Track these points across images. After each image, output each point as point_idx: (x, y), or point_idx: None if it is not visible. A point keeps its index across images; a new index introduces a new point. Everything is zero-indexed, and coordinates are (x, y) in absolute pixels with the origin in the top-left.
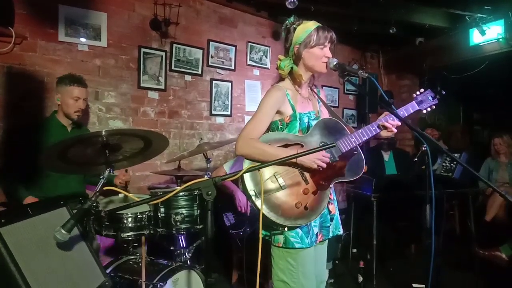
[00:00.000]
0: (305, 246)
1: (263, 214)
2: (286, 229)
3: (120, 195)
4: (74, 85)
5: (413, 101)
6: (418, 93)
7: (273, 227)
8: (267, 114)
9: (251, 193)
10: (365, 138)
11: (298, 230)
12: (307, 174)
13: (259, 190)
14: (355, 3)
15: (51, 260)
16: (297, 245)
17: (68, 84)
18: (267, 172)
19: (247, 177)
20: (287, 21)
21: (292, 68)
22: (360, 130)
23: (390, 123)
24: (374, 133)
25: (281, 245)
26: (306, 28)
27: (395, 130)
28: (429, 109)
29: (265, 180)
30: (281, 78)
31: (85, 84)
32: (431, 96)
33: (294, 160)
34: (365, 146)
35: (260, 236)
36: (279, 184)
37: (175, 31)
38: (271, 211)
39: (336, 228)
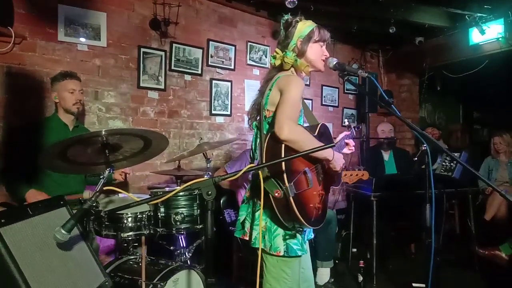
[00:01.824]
0: (305, 252)
1: (292, 211)
2: (302, 229)
3: (120, 195)
4: (67, 79)
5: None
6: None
7: (288, 226)
8: (299, 102)
9: (290, 188)
10: (341, 151)
11: (299, 236)
12: (321, 176)
13: (295, 187)
14: (354, 2)
15: (51, 260)
16: (299, 253)
17: (61, 80)
18: (298, 166)
19: (283, 167)
20: (287, 16)
21: (296, 60)
22: (338, 143)
23: (351, 142)
24: (343, 148)
25: (281, 254)
26: (308, 24)
27: (353, 150)
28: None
29: (297, 177)
30: (279, 70)
31: (78, 78)
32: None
33: (321, 158)
34: (365, 146)
35: (260, 235)
36: (308, 182)
37: (174, 31)
38: (301, 209)
39: (309, 233)
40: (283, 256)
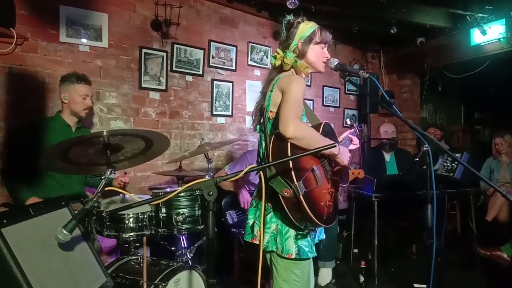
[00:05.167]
0: (314, 255)
1: (303, 209)
2: (314, 228)
3: (122, 196)
4: (81, 83)
5: (355, 128)
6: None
7: (300, 226)
8: (302, 100)
9: (300, 186)
10: (348, 148)
11: (308, 238)
12: (329, 174)
13: (304, 185)
14: (356, 3)
15: (53, 261)
16: (310, 255)
17: (75, 83)
18: (306, 163)
19: (290, 165)
20: (289, 17)
21: (296, 61)
22: (342, 141)
23: (355, 139)
24: (349, 145)
25: (293, 256)
26: (310, 25)
27: (358, 145)
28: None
29: (305, 174)
30: (280, 70)
31: (90, 82)
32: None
33: (327, 154)
34: (367, 146)
35: (262, 235)
36: (317, 180)
37: (176, 32)
38: (312, 208)
39: (321, 233)
40: (295, 258)
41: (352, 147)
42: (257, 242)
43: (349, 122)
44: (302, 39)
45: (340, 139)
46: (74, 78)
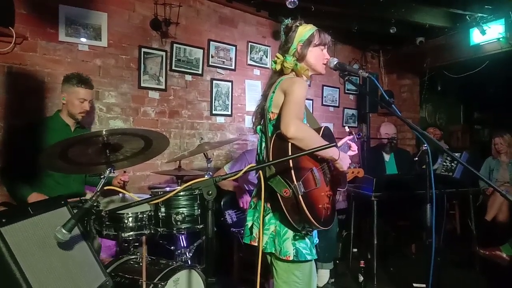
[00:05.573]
0: (314, 257)
1: (302, 210)
2: (311, 230)
3: (121, 195)
4: (81, 86)
5: (354, 135)
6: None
7: (298, 228)
8: (303, 102)
9: (299, 186)
10: (346, 153)
11: (307, 240)
12: (328, 177)
13: (303, 186)
14: (355, 2)
15: (52, 260)
16: (308, 257)
17: (75, 85)
18: (306, 164)
19: (291, 165)
20: (287, 21)
21: (296, 65)
22: (341, 146)
23: (354, 145)
24: (347, 151)
25: (290, 258)
26: (308, 28)
27: (356, 151)
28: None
29: (305, 175)
30: (280, 74)
31: (91, 86)
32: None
33: (327, 158)
34: (366, 146)
35: (261, 235)
36: (316, 181)
37: (175, 31)
38: (310, 209)
39: (315, 237)
40: (292, 261)
41: (350, 153)
42: (256, 244)
43: (347, 129)
44: (301, 42)
45: (339, 144)
46: (75, 80)
